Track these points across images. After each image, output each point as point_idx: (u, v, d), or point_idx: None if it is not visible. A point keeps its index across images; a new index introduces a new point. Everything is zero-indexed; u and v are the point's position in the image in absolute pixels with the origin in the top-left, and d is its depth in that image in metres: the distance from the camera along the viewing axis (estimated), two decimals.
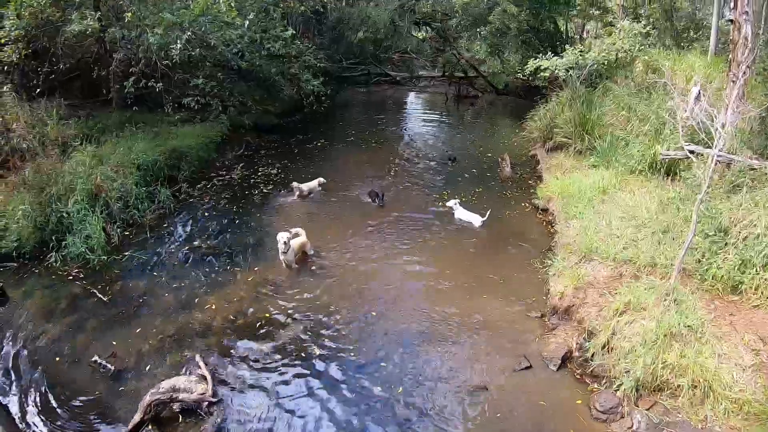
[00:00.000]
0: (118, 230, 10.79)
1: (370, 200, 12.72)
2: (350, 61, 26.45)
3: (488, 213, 11.55)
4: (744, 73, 9.54)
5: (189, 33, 13.28)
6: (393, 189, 13.69)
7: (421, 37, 28.76)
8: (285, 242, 9.57)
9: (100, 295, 8.95)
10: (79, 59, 14.26)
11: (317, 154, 16.39)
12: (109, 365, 7.39)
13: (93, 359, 7.45)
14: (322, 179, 13.39)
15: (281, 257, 9.71)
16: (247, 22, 14.99)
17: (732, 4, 10.50)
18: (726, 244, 7.67)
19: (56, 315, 8.56)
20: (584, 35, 21.01)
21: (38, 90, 12.86)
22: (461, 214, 11.80)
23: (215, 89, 14.94)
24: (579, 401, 6.97)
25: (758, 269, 7.19)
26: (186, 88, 14.69)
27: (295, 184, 13.04)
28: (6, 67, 11.92)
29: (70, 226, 10.11)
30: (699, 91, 10.07)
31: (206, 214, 12.11)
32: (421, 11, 24.22)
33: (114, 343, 7.90)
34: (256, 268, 9.92)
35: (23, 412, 6.75)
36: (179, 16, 12.91)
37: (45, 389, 7.11)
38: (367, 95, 26.21)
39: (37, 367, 7.47)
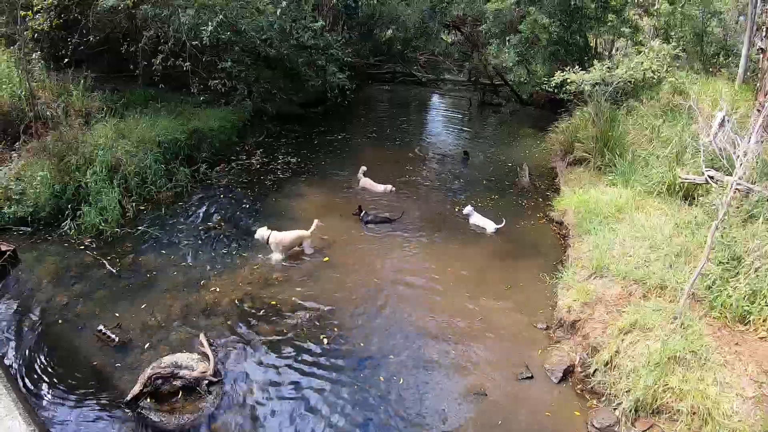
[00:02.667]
0: (134, 204, 10.89)
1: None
2: (377, 58, 26.46)
3: (503, 222, 11.54)
4: None
5: (221, 16, 13.35)
6: (409, 190, 13.72)
7: (449, 41, 28.72)
8: (262, 237, 9.85)
9: (109, 267, 9.03)
10: (108, 33, 14.38)
11: (337, 147, 16.45)
12: (113, 336, 7.47)
13: (99, 328, 7.54)
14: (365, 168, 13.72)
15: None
16: (278, 10, 15.04)
17: (764, 33, 10.42)
18: (738, 273, 7.59)
19: (65, 282, 8.65)
20: (613, 52, 20.86)
21: (66, 60, 12.96)
22: (476, 219, 11.78)
23: (242, 74, 15.01)
24: (577, 416, 6.96)
25: None
26: (213, 71, 14.77)
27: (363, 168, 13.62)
28: (36, 35, 12.01)
29: (87, 196, 10.23)
30: (724, 117, 9.99)
31: (222, 196, 12.20)
32: (451, 14, 24.15)
33: (116, 315, 7.99)
34: (265, 255, 9.96)
35: (25, 376, 6.84)
36: None
37: (48, 354, 7.20)
38: (390, 93, 26.21)
39: (43, 332, 7.57)
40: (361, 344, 7.97)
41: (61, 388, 6.71)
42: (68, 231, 9.80)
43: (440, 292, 9.37)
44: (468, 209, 11.96)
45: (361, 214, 11.70)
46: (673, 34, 19.08)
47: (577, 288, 8.53)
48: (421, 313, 8.71)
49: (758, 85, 10.09)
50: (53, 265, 9.03)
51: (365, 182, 13.45)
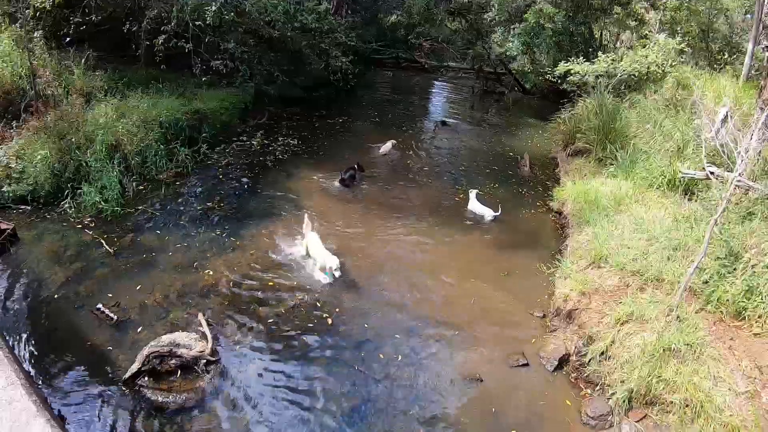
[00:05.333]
0: (134, 184, 10.89)
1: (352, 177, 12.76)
2: (380, 43, 26.31)
3: (500, 210, 11.57)
4: None
5: None
6: (410, 176, 13.75)
7: (453, 28, 28.56)
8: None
9: (106, 246, 9.04)
10: (111, 12, 14.26)
11: (338, 131, 16.47)
12: (112, 314, 7.50)
13: (97, 307, 7.57)
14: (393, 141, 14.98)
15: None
16: None
17: None
18: (735, 269, 7.62)
19: (64, 261, 8.66)
20: (618, 44, 20.81)
21: (68, 39, 12.90)
22: (474, 206, 11.82)
23: (245, 55, 14.96)
24: (570, 405, 7.04)
25: (764, 297, 7.13)
26: (215, 52, 14.71)
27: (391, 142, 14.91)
28: (39, 13, 11.94)
29: (87, 175, 10.24)
30: (727, 113, 9.99)
31: (222, 177, 12.21)
32: (457, 1, 24.03)
33: (115, 294, 8.02)
34: (266, 236, 10.01)
35: (25, 353, 6.89)
36: None
37: (47, 332, 7.25)
38: (393, 79, 26.12)
39: (42, 310, 7.61)
40: (357, 327, 8.04)
41: (60, 365, 6.75)
42: (68, 210, 9.81)
43: (438, 278, 9.40)
44: (473, 193, 12.01)
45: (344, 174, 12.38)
46: (678, 29, 19.04)
47: (575, 278, 8.56)
48: (418, 299, 8.78)
49: (762, 83, 10.04)
50: (53, 243, 9.03)
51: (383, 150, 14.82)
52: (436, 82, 26.52)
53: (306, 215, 9.93)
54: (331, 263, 8.79)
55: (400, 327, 8.14)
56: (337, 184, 12.43)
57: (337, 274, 8.82)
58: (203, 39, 14.19)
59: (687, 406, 6.33)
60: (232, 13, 14.16)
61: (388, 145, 14.87)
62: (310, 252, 9.25)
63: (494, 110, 22.48)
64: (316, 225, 10.00)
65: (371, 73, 24.94)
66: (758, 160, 9.25)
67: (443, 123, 18.32)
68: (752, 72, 15.51)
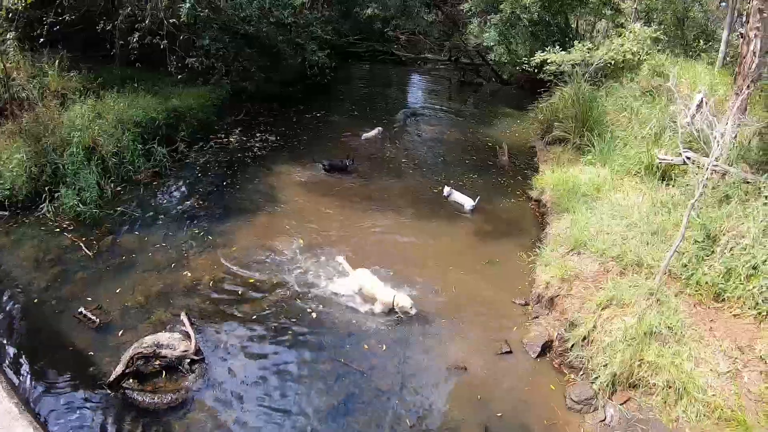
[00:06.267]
0: (112, 185, 10.76)
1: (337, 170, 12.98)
2: (356, 37, 26.21)
3: (478, 198, 11.67)
4: (748, 86, 9.56)
5: None
6: (388, 168, 13.80)
7: (430, 20, 28.55)
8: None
9: (85, 249, 8.96)
10: (84, 12, 14.06)
11: (316, 125, 16.39)
12: (94, 317, 7.43)
13: (78, 311, 7.50)
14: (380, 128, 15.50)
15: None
16: None
17: (744, 19, 10.50)
18: (713, 251, 7.73)
19: (44, 265, 8.57)
20: (594, 33, 20.93)
21: (41, 40, 12.72)
22: (456, 196, 11.88)
23: (220, 52, 14.85)
24: (555, 390, 7.12)
25: (742, 279, 7.24)
26: (190, 49, 14.59)
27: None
28: (11, 15, 11.75)
29: (64, 178, 10.08)
30: (702, 99, 10.11)
31: (201, 175, 12.15)
32: None
33: (97, 297, 7.95)
34: (246, 232, 9.99)
35: (6, 360, 6.81)
36: None
37: (29, 337, 7.18)
38: (370, 72, 26.03)
39: (23, 316, 7.53)
40: (342, 320, 8.08)
41: (43, 370, 6.69)
42: (46, 214, 9.67)
43: (419, 269, 9.45)
44: (447, 191, 12.04)
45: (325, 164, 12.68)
46: (654, 17, 19.20)
47: (555, 264, 8.66)
48: (400, 290, 8.75)
49: (737, 69, 10.18)
50: (32, 248, 8.92)
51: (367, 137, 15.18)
52: (413, 75, 26.47)
53: (342, 257, 9.09)
54: (404, 302, 8.02)
55: (384, 318, 8.17)
56: (322, 166, 12.83)
57: (413, 311, 8.03)
58: (178, 36, 14.06)
59: (670, 387, 6.43)
60: (207, 10, 14.04)
61: (374, 132, 15.23)
62: (367, 291, 8.41)
63: (472, 101, 22.52)
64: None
65: (348, 66, 24.82)
66: (734, 144, 9.38)
67: (413, 114, 18.33)
68: (727, 59, 15.71)
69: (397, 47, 27.99)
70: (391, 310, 8.17)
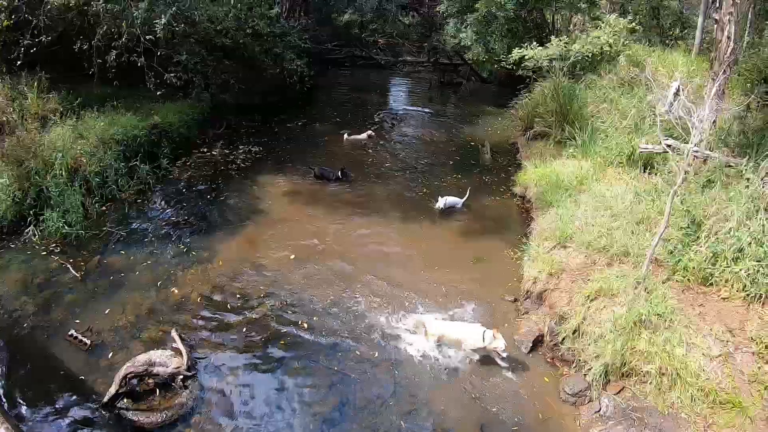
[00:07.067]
0: (97, 205, 10.73)
1: (324, 177, 13.02)
2: (335, 43, 26.32)
3: (468, 192, 11.83)
4: (725, 71, 9.66)
5: (174, 8, 13.15)
6: (373, 172, 13.85)
7: (407, 22, 28.66)
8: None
9: (73, 271, 8.91)
10: (61, 32, 14.01)
11: (299, 134, 16.47)
12: (85, 339, 7.40)
13: (69, 333, 7.47)
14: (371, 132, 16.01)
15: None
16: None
17: (717, 4, 10.60)
18: (698, 237, 7.78)
19: (33, 289, 8.51)
20: (571, 27, 21.05)
21: (19, 62, 12.66)
22: (450, 201, 11.78)
23: (198, 66, 14.84)
24: (549, 384, 7.16)
25: (729, 262, 7.30)
26: (169, 64, 14.56)
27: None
28: None
29: (49, 200, 10.01)
30: (678, 87, 10.19)
31: (185, 190, 12.14)
32: None
33: (87, 318, 7.91)
34: (233, 245, 9.98)
35: None
36: None
37: (21, 363, 7.10)
38: (350, 78, 26.06)
39: (14, 341, 7.44)
40: (333, 328, 8.07)
41: (37, 395, 6.64)
42: (32, 237, 9.62)
43: (408, 271, 9.50)
44: (441, 202, 11.70)
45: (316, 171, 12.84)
46: (629, 8, 19.35)
47: (542, 259, 8.70)
48: (390, 293, 8.84)
49: (713, 55, 10.30)
50: (19, 272, 8.86)
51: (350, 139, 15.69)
52: (394, 78, 26.59)
53: (422, 319, 8.10)
54: (498, 344, 7.29)
55: (374, 323, 8.19)
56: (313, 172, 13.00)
57: (504, 354, 7.33)
58: (155, 52, 14.02)
59: (663, 374, 6.49)
60: (183, 24, 14.03)
61: (363, 135, 15.63)
62: (451, 338, 7.64)
63: (453, 101, 22.65)
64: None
65: (328, 73, 24.88)
66: (714, 129, 9.47)
67: (395, 117, 18.51)
68: (704, 45, 15.86)
69: (376, 51, 28.13)
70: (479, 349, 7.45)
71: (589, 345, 7.10)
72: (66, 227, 9.72)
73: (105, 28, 13.70)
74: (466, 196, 11.79)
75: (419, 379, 7.22)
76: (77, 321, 7.84)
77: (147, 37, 13.39)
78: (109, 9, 13.41)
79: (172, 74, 14.12)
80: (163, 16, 12.90)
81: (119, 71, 13.58)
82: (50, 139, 10.91)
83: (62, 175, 10.32)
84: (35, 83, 12.34)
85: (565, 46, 14.96)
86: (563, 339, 7.50)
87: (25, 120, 11.24)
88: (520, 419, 6.67)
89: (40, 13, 13.11)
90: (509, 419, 6.67)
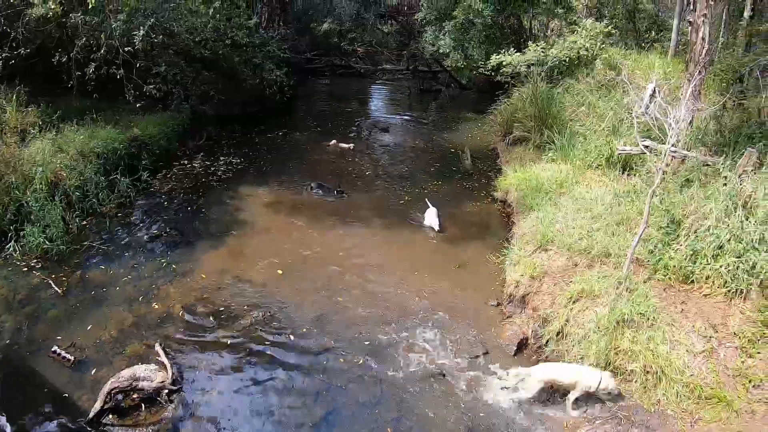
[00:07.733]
0: (77, 220, 10.63)
1: (321, 193, 12.96)
2: (314, 53, 26.35)
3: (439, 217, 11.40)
4: (700, 72, 9.80)
5: (152, 20, 13.12)
6: (355, 181, 13.87)
7: (386, 31, 28.78)
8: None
9: (54, 286, 8.82)
10: (39, 44, 13.93)
11: (279, 144, 16.46)
12: (68, 356, 7.32)
13: (53, 350, 7.38)
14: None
15: None
16: (211, 10, 14.86)
17: (692, 6, 10.77)
18: (678, 235, 7.88)
19: (14, 306, 8.41)
20: (548, 33, 21.25)
21: None
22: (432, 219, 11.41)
23: (177, 77, 14.80)
24: None
25: (709, 260, 7.39)
26: (148, 76, 14.50)
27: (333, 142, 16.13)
28: None
29: (29, 215, 9.90)
30: (654, 88, 10.33)
31: (166, 203, 12.07)
32: (386, 4, 24.22)
33: (70, 334, 7.84)
34: (216, 257, 9.95)
35: None
36: (143, 1, 12.73)
37: (4, 381, 7.01)
38: (330, 87, 26.10)
39: None
40: (317, 337, 8.08)
41: (21, 413, 6.56)
42: (13, 253, 9.49)
43: (392, 278, 9.55)
44: (430, 222, 11.42)
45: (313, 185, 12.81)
46: (605, 12, 19.58)
47: (524, 263, 8.77)
48: (374, 301, 8.86)
49: (688, 56, 10.46)
50: (1, 289, 8.74)
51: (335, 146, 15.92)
52: (373, 86, 26.64)
53: (524, 371, 7.14)
54: (611, 384, 6.65)
55: (359, 331, 8.19)
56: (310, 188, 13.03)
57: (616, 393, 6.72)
58: (134, 64, 13.98)
59: (648, 372, 6.58)
60: (162, 36, 13.99)
61: (349, 145, 16.07)
62: (564, 383, 6.86)
63: (433, 108, 22.74)
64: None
65: (308, 83, 24.89)
66: (690, 129, 9.60)
67: (375, 126, 18.74)
68: (679, 47, 16.09)
69: (356, 60, 28.18)
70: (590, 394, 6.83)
71: (573, 346, 7.18)
72: (47, 242, 9.61)
73: (84, 40, 13.65)
74: (439, 219, 11.32)
75: (406, 386, 7.21)
76: (60, 337, 7.75)
77: (126, 49, 13.37)
78: (87, 21, 13.37)
79: (151, 86, 14.09)
80: (141, 27, 12.89)
81: (98, 83, 13.53)
82: (30, 153, 10.80)
83: (42, 190, 10.21)
84: (14, 96, 12.21)
85: (543, 52, 15.11)
86: (547, 341, 7.56)
87: (4, 134, 11.14)
88: (508, 422, 6.69)
89: (18, 26, 13.06)
90: (497, 423, 6.69)
